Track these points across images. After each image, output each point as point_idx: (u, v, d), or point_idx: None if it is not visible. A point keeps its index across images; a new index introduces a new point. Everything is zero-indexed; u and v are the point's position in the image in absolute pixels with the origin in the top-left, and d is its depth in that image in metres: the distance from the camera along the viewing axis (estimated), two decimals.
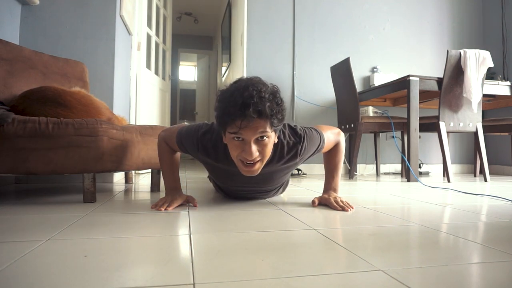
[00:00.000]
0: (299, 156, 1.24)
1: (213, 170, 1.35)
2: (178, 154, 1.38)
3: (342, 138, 1.42)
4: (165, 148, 1.34)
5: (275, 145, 1.18)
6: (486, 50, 2.62)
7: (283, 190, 1.61)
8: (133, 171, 2.39)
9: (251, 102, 0.97)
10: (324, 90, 3.36)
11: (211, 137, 1.20)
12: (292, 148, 1.22)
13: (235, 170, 1.20)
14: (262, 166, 1.13)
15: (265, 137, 1.05)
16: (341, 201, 1.30)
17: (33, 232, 0.89)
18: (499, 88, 2.88)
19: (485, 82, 2.74)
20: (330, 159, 1.43)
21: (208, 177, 1.67)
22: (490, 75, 3.24)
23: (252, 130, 1.01)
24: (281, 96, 1.07)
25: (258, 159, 1.08)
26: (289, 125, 1.28)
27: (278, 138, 1.19)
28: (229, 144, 1.09)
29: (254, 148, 1.04)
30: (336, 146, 1.41)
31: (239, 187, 1.39)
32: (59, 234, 0.87)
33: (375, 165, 3.39)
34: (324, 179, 1.45)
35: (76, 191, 1.70)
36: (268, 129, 1.03)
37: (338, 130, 1.41)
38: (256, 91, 1.00)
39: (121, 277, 0.58)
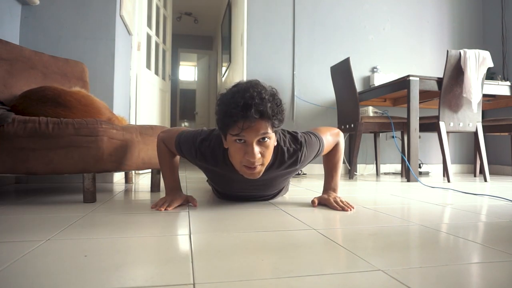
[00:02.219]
0: (299, 163, 1.25)
1: (212, 175, 1.35)
2: (177, 156, 1.38)
3: (341, 138, 1.42)
4: (164, 149, 1.34)
5: (275, 150, 1.18)
6: (486, 50, 2.62)
7: (284, 194, 1.61)
8: (133, 171, 2.39)
9: (252, 103, 0.98)
10: (324, 90, 3.36)
11: (209, 144, 1.20)
12: (293, 155, 1.23)
13: (235, 175, 1.21)
14: (263, 169, 1.13)
15: (266, 139, 1.05)
16: (340, 201, 1.30)
17: (33, 232, 0.89)
18: (499, 88, 2.88)
19: (485, 82, 2.74)
20: (329, 159, 1.43)
21: (207, 181, 1.67)
22: (490, 75, 3.24)
23: (254, 131, 1.01)
24: (280, 97, 1.08)
25: (260, 162, 1.08)
26: (288, 132, 1.29)
27: (278, 144, 1.20)
28: (231, 148, 1.09)
29: (256, 149, 1.04)
30: (335, 146, 1.41)
31: (239, 192, 1.39)
32: (59, 234, 0.87)
33: (375, 165, 3.39)
34: (323, 179, 1.45)
35: (76, 191, 1.70)
36: (270, 130, 1.04)
37: (337, 130, 1.41)
38: (257, 93, 1.01)
39: (121, 277, 0.58)
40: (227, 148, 1.12)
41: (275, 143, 1.15)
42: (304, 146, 1.24)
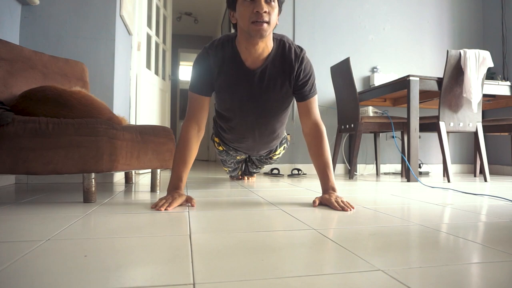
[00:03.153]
0: (298, 61, 1.38)
1: (223, 95, 1.49)
2: (193, 152, 1.40)
3: (324, 129, 1.49)
4: (182, 138, 1.40)
5: (277, 42, 1.39)
6: (486, 50, 2.62)
7: (281, 145, 1.87)
8: (133, 171, 2.39)
9: None
10: (324, 90, 3.37)
11: (218, 41, 1.39)
12: (294, 52, 1.39)
13: (243, 74, 1.38)
14: (270, 30, 1.27)
15: (272, 1, 1.23)
16: (341, 201, 1.30)
17: (33, 232, 0.89)
18: (499, 88, 2.88)
19: (485, 82, 2.74)
20: (320, 156, 1.43)
21: (211, 138, 1.93)
22: (490, 75, 3.24)
23: None
24: None
25: (267, 19, 1.23)
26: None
27: (282, 39, 1.40)
28: (241, 10, 1.25)
29: (264, 3, 1.22)
30: (322, 137, 1.45)
31: (245, 116, 1.57)
32: (59, 234, 0.87)
33: (375, 165, 3.39)
34: (319, 180, 1.46)
35: (76, 191, 1.70)
36: None
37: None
38: None
39: (121, 277, 0.58)
40: (235, 41, 1.36)
41: (277, 21, 1.31)
42: (304, 52, 1.42)
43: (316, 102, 1.49)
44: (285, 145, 2.04)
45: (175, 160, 1.39)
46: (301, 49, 1.42)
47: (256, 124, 1.63)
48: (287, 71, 1.41)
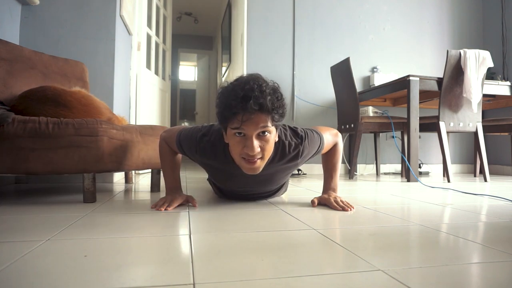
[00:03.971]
0: (300, 157, 1.25)
1: (213, 172, 1.35)
2: (180, 154, 1.38)
3: (340, 139, 1.43)
4: (166, 148, 1.34)
5: (276, 144, 1.18)
6: (486, 50, 2.62)
7: (283, 192, 1.61)
8: (133, 171, 2.39)
9: (252, 95, 0.98)
10: (324, 90, 3.36)
11: (210, 139, 1.20)
12: (294, 149, 1.23)
13: (235, 170, 1.20)
14: (264, 164, 1.13)
15: (266, 133, 1.05)
16: (341, 201, 1.30)
17: (33, 232, 0.89)
18: (499, 88, 2.88)
19: (485, 82, 2.74)
20: (328, 159, 1.43)
21: (208, 179, 1.68)
22: (490, 75, 3.24)
23: (253, 124, 1.01)
24: (281, 92, 1.08)
25: (260, 156, 1.08)
26: (289, 126, 1.29)
27: (279, 138, 1.20)
28: (231, 142, 1.09)
29: (256, 143, 1.04)
30: (334, 146, 1.41)
31: (239, 188, 1.39)
32: (59, 234, 0.87)
33: (375, 165, 3.39)
34: (323, 180, 1.46)
35: (76, 191, 1.70)
36: (269, 124, 1.04)
37: (335, 131, 1.42)
38: (257, 85, 1.01)
39: (121, 277, 0.58)
40: (228, 143, 1.12)
41: (276, 138, 1.15)
42: (305, 140, 1.24)
43: (327, 141, 1.35)
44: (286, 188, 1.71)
45: (165, 166, 1.36)
46: (302, 140, 1.24)
47: (255, 193, 1.46)
48: (290, 165, 1.29)
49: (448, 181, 2.47)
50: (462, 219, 1.12)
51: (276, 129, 1.12)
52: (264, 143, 1.07)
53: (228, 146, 1.14)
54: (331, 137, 1.38)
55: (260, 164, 1.11)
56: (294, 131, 1.27)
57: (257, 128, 1.02)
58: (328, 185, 1.41)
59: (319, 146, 1.30)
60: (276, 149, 1.20)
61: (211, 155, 1.21)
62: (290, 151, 1.22)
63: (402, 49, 3.60)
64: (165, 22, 3.84)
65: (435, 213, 1.23)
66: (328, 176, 1.43)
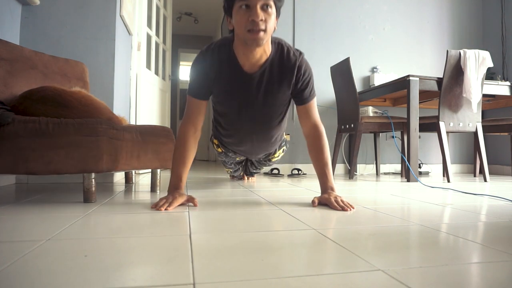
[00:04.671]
0: (296, 67, 1.36)
1: (219, 102, 1.51)
2: (191, 152, 1.40)
3: (323, 128, 1.48)
4: (181, 139, 1.39)
5: (276, 46, 1.36)
6: (486, 50, 2.62)
7: (280, 148, 1.86)
8: (133, 171, 2.39)
9: None
10: (324, 90, 3.37)
11: (213, 43, 1.37)
12: (292, 56, 1.37)
13: (242, 78, 1.36)
14: (266, 37, 1.25)
15: (268, 7, 1.20)
16: (341, 201, 1.30)
17: (33, 232, 0.89)
18: (499, 88, 2.88)
19: (485, 82, 2.74)
20: (319, 156, 1.44)
21: (210, 139, 1.92)
22: (490, 75, 3.24)
23: None
24: None
25: (263, 27, 1.20)
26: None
27: (280, 42, 1.37)
28: (237, 18, 1.22)
29: (260, 12, 1.18)
30: (322, 138, 1.45)
31: (244, 121, 1.55)
32: (59, 234, 0.87)
33: (375, 165, 3.39)
34: (318, 180, 1.46)
35: (76, 191, 1.70)
36: (271, 1, 1.20)
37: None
38: None
39: (121, 277, 0.58)
40: (232, 45, 1.32)
41: (276, 26, 1.28)
42: (303, 56, 1.40)
43: (315, 105, 1.48)
44: (284, 147, 2.04)
45: (174, 160, 1.39)
46: (300, 53, 1.40)
47: (254, 130, 1.62)
48: (286, 76, 1.39)
49: (448, 181, 2.47)
50: (462, 219, 1.12)
51: (277, 12, 1.25)
52: (267, 16, 1.20)
53: (232, 44, 1.32)
54: (319, 116, 1.51)
55: (263, 36, 1.23)
56: (294, 48, 1.42)
57: (261, 0, 1.17)
58: (326, 184, 1.41)
59: (311, 79, 1.42)
60: (275, 49, 1.36)
61: (218, 56, 1.34)
62: (288, 57, 1.36)
63: (402, 49, 3.61)
64: (165, 22, 3.84)
65: (435, 213, 1.24)
66: (323, 175, 1.43)
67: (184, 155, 1.38)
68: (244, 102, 1.47)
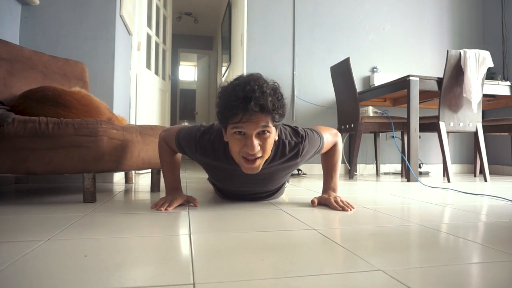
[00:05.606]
0: (300, 156, 1.25)
1: (213, 171, 1.35)
2: (179, 154, 1.38)
3: (339, 138, 1.43)
4: (165, 148, 1.34)
5: (276, 143, 1.19)
6: (486, 50, 2.62)
7: (281, 194, 1.61)
8: (133, 171, 2.39)
9: (253, 96, 0.99)
10: (324, 90, 3.36)
11: (210, 138, 1.20)
12: (294, 148, 1.23)
13: (235, 169, 1.21)
14: (263, 163, 1.13)
15: (266, 132, 1.06)
16: (341, 201, 1.30)
17: (33, 232, 0.89)
18: (499, 88, 2.88)
19: (485, 82, 2.74)
20: (328, 159, 1.43)
21: (208, 179, 1.68)
22: (490, 75, 3.24)
23: (253, 124, 1.02)
24: (281, 92, 1.08)
25: (259, 155, 1.08)
26: (289, 126, 1.30)
27: (279, 137, 1.20)
28: (230, 141, 1.09)
29: (255, 142, 1.05)
30: (334, 146, 1.41)
31: (239, 187, 1.39)
32: (59, 234, 0.87)
33: (375, 165, 3.39)
34: (322, 180, 1.46)
35: (76, 191, 1.70)
36: (270, 124, 1.04)
37: (335, 131, 1.42)
38: (258, 86, 1.01)
39: (121, 277, 0.58)
40: (228, 142, 1.13)
41: (276, 138, 1.15)
42: (305, 139, 1.24)
43: (327, 141, 1.35)
44: (285, 186, 1.77)
45: (165, 165, 1.36)
46: (302, 139, 1.24)
47: (254, 193, 1.46)
48: (289, 165, 1.28)
49: (448, 181, 2.46)
50: (462, 219, 1.12)
51: (276, 128, 1.12)
52: (264, 142, 1.07)
53: (228, 145, 1.14)
54: (331, 136, 1.38)
55: (260, 163, 1.12)
56: (294, 130, 1.27)
57: (257, 128, 1.03)
58: (328, 185, 1.41)
59: (319, 146, 1.30)
60: (276, 148, 1.20)
61: (211, 154, 1.21)
62: (290, 150, 1.23)
63: (402, 49, 3.60)
64: (165, 22, 3.84)
65: (435, 213, 1.23)
66: (328, 176, 1.43)
67: (173, 160, 1.36)
68: (242, 184, 1.35)
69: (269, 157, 1.18)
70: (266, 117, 1.03)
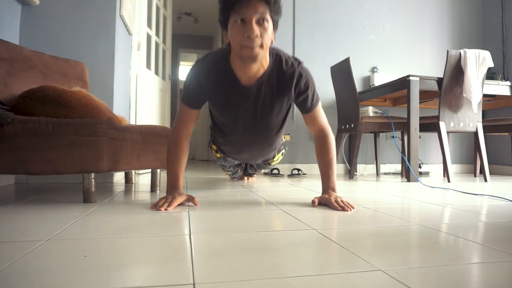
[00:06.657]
0: (294, 80, 1.32)
1: (219, 109, 1.45)
2: (185, 152, 1.39)
3: (331, 132, 1.46)
4: (173, 142, 1.37)
5: (274, 56, 1.31)
6: (486, 50, 2.62)
7: (279, 152, 1.81)
8: (133, 171, 2.39)
9: None
10: (324, 90, 3.36)
11: (211, 57, 1.32)
12: (290, 68, 1.33)
13: (239, 91, 1.32)
14: (263, 53, 1.20)
15: (265, 21, 1.15)
16: (341, 201, 1.30)
17: (33, 232, 0.89)
18: (499, 88, 2.88)
19: (485, 82, 2.74)
20: (323, 158, 1.43)
21: (208, 145, 1.88)
22: (490, 75, 3.24)
23: (252, 8, 1.12)
24: None
25: (259, 42, 1.16)
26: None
27: (277, 53, 1.32)
28: (232, 32, 1.18)
29: (255, 26, 1.14)
30: (327, 140, 1.43)
31: (241, 134, 1.52)
32: (59, 234, 0.87)
33: (375, 165, 3.39)
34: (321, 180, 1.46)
35: (76, 191, 1.70)
36: (267, 14, 1.15)
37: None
38: None
39: (121, 277, 0.58)
40: (229, 58, 1.28)
41: (273, 38, 1.24)
42: (302, 65, 1.35)
43: (319, 110, 1.44)
44: (283, 150, 2.01)
45: (170, 162, 1.38)
46: (299, 62, 1.36)
47: (252, 139, 1.59)
48: (285, 87, 1.35)
49: (448, 181, 2.47)
50: (462, 219, 1.12)
51: (274, 25, 1.21)
52: (263, 31, 1.16)
53: (229, 57, 1.28)
54: (326, 120, 1.46)
55: (259, 52, 1.18)
56: (294, 57, 1.37)
57: (256, 13, 1.13)
58: (327, 184, 1.41)
59: (314, 89, 1.38)
60: (274, 60, 1.31)
61: (214, 71, 1.30)
62: (287, 69, 1.32)
63: (402, 49, 3.61)
64: (165, 22, 3.84)
65: (435, 213, 1.23)
66: (326, 175, 1.43)
67: (179, 156, 1.37)
68: (242, 114, 1.44)
69: (267, 68, 1.29)
70: (264, 6, 1.13)
